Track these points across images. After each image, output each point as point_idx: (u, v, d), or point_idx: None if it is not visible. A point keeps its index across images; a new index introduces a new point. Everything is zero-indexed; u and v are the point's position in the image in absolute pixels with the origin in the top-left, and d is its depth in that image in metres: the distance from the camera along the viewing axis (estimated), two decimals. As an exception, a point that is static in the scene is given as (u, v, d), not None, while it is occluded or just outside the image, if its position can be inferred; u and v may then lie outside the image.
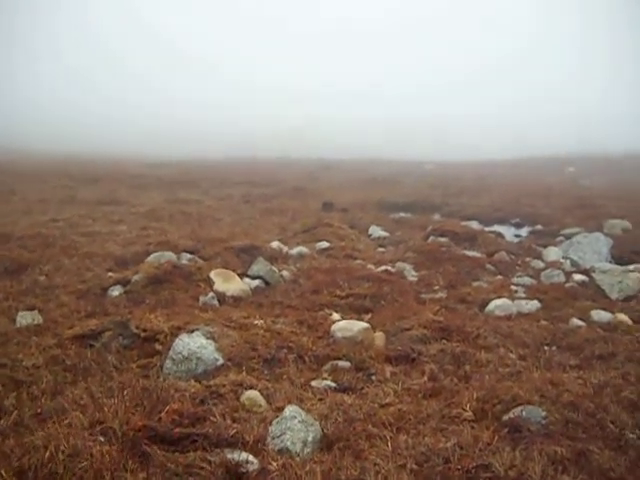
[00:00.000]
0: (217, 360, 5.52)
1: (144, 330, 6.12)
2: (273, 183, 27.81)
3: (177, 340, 5.60)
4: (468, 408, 4.64)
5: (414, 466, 3.83)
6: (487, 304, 8.40)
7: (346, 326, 6.69)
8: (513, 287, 9.66)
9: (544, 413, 4.47)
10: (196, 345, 5.55)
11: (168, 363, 5.46)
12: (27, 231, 12.22)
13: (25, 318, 7.03)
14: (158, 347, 5.88)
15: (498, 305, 8.27)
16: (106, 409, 4.36)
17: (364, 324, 6.74)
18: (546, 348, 6.56)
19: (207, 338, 5.74)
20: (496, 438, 4.13)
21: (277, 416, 4.38)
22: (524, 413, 4.44)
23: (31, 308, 7.45)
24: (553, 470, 3.76)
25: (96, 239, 12.47)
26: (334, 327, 6.72)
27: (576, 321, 7.68)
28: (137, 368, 5.56)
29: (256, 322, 6.66)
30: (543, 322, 7.77)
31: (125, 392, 4.72)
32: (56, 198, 19.21)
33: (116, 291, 8.53)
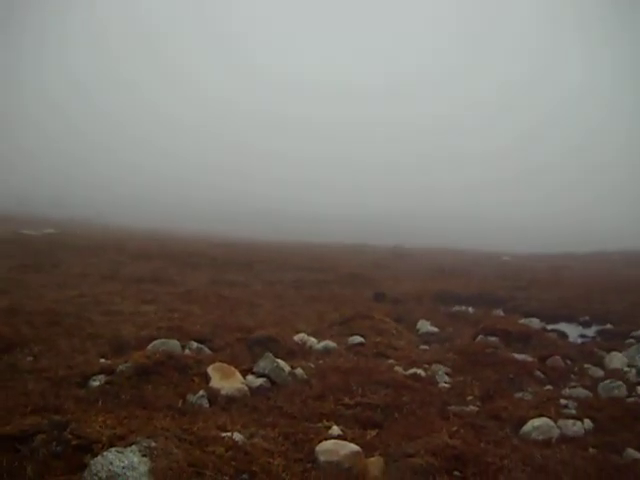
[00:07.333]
0: (145, 488, 4.36)
1: (78, 437, 5.04)
2: (330, 269, 26.79)
3: (98, 457, 4.49)
4: None
5: None
6: (524, 423, 6.97)
7: (332, 448, 5.41)
8: (562, 401, 8.13)
9: None
10: (122, 465, 4.41)
11: (82, 487, 4.34)
12: (38, 306, 11.56)
13: (-24, 410, 6.08)
14: (87, 460, 4.76)
15: (536, 426, 6.84)
16: None
17: (354, 447, 5.42)
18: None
19: (142, 455, 4.60)
20: None
21: None
22: None
23: (-11, 396, 6.52)
24: None
25: (114, 319, 11.68)
26: (318, 448, 5.45)
27: (632, 452, 6.23)
28: (53, 489, 4.47)
29: (223, 435, 5.48)
30: (591, 450, 6.33)
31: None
32: (98, 273, 18.78)
33: (97, 381, 7.54)
